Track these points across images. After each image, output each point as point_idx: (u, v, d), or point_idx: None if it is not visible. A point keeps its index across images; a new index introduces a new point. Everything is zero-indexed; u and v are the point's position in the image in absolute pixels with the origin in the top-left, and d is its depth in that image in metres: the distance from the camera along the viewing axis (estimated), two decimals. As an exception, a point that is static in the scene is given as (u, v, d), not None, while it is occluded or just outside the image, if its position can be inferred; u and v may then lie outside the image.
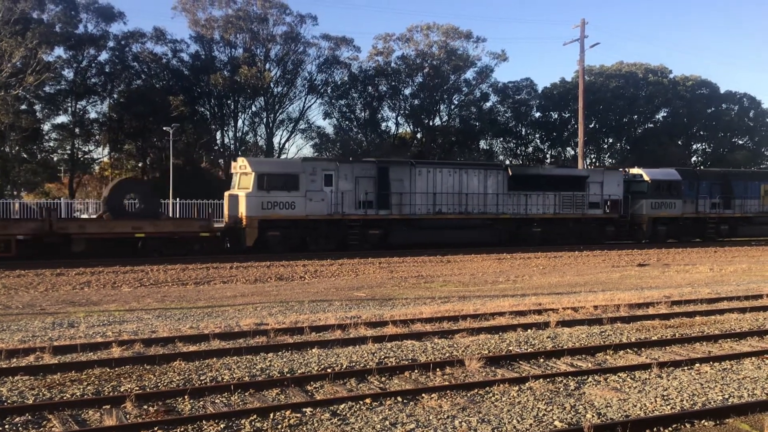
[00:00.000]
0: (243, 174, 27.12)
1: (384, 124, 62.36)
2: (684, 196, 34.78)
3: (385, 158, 33.32)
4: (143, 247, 24.67)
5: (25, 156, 51.00)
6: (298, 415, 7.36)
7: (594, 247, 30.75)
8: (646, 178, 34.33)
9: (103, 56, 52.50)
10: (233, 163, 28.94)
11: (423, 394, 8.07)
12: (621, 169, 35.75)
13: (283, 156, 59.60)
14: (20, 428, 6.98)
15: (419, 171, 29.35)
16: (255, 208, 26.10)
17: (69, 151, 53.00)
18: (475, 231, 30.45)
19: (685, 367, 9.50)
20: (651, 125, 67.93)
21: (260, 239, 26.37)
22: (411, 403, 7.81)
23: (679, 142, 67.14)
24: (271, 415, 7.32)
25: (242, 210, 26.26)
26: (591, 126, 62.43)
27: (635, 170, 35.72)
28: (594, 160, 66.06)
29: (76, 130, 52.20)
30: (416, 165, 29.80)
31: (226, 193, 28.24)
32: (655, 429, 7.05)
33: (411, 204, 28.89)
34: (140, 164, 56.53)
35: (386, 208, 28.49)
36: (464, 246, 29.50)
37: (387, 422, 7.18)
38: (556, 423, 7.23)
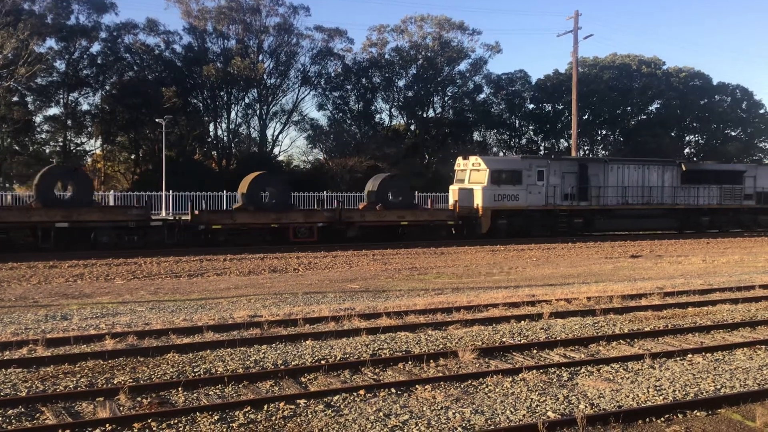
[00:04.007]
0: (474, 170, 31.25)
1: (378, 116, 62.29)
2: None
3: (585, 156, 37.32)
4: (403, 233, 28.97)
5: (17, 148, 50.71)
6: (292, 406, 7.37)
7: (587, 239, 31.07)
8: None
9: (95, 48, 52.22)
10: (459, 160, 32.88)
11: (417, 386, 8.09)
12: None
13: (276, 148, 59.58)
14: (13, 420, 6.97)
15: (611, 167, 33.72)
16: (488, 200, 30.40)
17: (61, 143, 52.72)
18: (655, 219, 34.93)
19: (678, 358, 9.55)
20: (644, 117, 67.99)
21: (492, 227, 30.58)
22: (405, 394, 7.83)
23: (673, 134, 67.28)
24: (265, 406, 7.33)
25: (477, 201, 30.45)
26: (584, 118, 62.49)
27: None
28: (587, 151, 66.14)
29: (68, 122, 51.91)
30: (609, 162, 34.22)
31: (453, 187, 32.11)
32: (647, 419, 7.08)
33: (605, 196, 33.28)
34: (132, 156, 56.30)
35: (586, 200, 32.86)
36: (648, 231, 34.70)
37: (381, 413, 7.20)
38: (549, 413, 7.26)
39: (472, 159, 31.92)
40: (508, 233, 30.90)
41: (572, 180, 32.50)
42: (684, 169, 35.52)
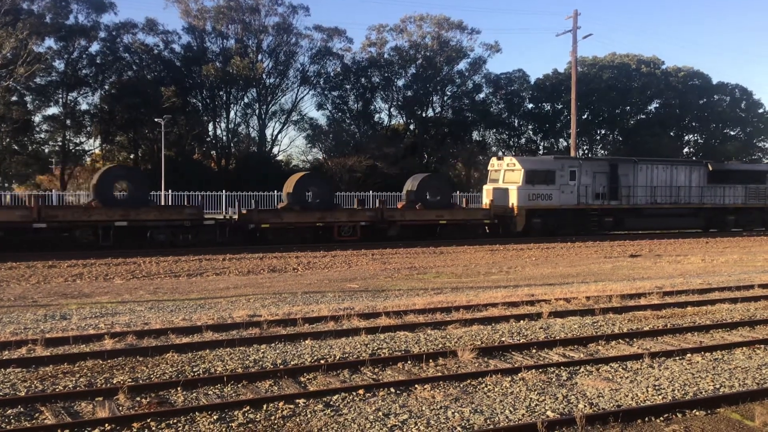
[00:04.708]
0: (509, 170, 32.02)
1: (377, 116, 62.29)
2: None
3: (615, 156, 37.71)
4: (440, 232, 29.58)
5: (16, 148, 50.69)
6: (291, 406, 7.37)
7: (587, 238, 31.03)
8: None
9: (94, 47, 52.25)
10: (493, 161, 33.87)
11: (416, 385, 8.09)
12: None
13: (275, 148, 59.59)
14: (13, 420, 6.96)
15: (640, 167, 34.39)
16: (523, 199, 31.18)
17: (60, 143, 52.70)
18: (683, 218, 35.62)
19: (677, 357, 9.55)
20: (643, 116, 68.01)
21: (526, 225, 31.26)
22: (404, 393, 7.83)
23: (672, 134, 67.30)
24: (264, 406, 7.32)
25: (512, 201, 31.18)
26: (584, 117, 62.50)
27: None
28: (586, 151, 66.16)
29: (68, 121, 51.88)
30: (638, 162, 34.77)
31: (488, 187, 32.85)
32: (646, 419, 7.08)
33: (634, 195, 34.02)
34: (132, 156, 56.28)
35: (616, 199, 33.56)
36: (675, 230, 35.36)
37: (380, 413, 7.20)
38: (549, 413, 7.26)
39: (507, 159, 32.80)
40: (542, 232, 31.63)
41: (603, 180, 33.28)
42: (710, 169, 36.24)
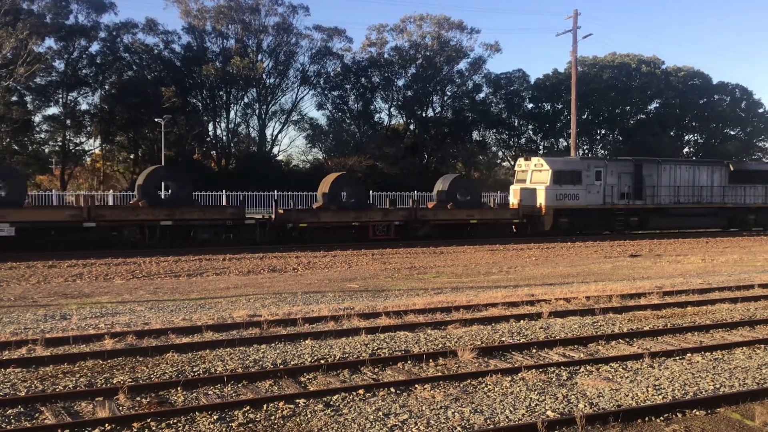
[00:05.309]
0: (537, 171, 32.56)
1: (377, 116, 62.29)
2: None
3: (640, 157, 38.02)
4: (471, 231, 30.04)
5: (16, 148, 50.70)
6: (291, 406, 7.37)
7: (587, 238, 31.06)
8: None
9: (94, 47, 52.28)
10: (520, 161, 34.56)
11: (416, 385, 8.08)
12: None
13: (276, 148, 59.61)
14: (13, 420, 6.96)
15: (664, 167, 34.91)
16: (551, 199, 31.80)
17: (60, 143, 52.71)
18: (704, 218, 36.02)
19: (677, 357, 9.55)
20: (643, 116, 68.01)
21: (554, 224, 31.84)
22: (404, 393, 7.83)
23: (672, 133, 67.28)
24: (264, 406, 7.32)
25: (540, 200, 31.77)
26: (584, 117, 62.49)
27: None
28: (587, 151, 66.16)
29: (68, 121, 51.90)
30: (662, 162, 35.31)
31: (515, 187, 33.45)
32: (646, 418, 7.08)
33: (658, 195, 34.56)
34: (132, 156, 56.26)
35: (641, 199, 34.09)
36: (698, 229, 35.76)
37: (380, 413, 7.20)
38: (549, 413, 7.25)
39: (534, 160, 33.43)
40: (569, 231, 32.23)
41: (628, 180, 33.78)
42: (731, 169, 36.80)
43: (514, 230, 31.76)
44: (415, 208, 29.43)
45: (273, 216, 27.09)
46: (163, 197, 26.44)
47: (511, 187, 34.34)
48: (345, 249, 25.19)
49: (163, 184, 27.16)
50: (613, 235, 32.82)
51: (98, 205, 25.82)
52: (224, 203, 28.75)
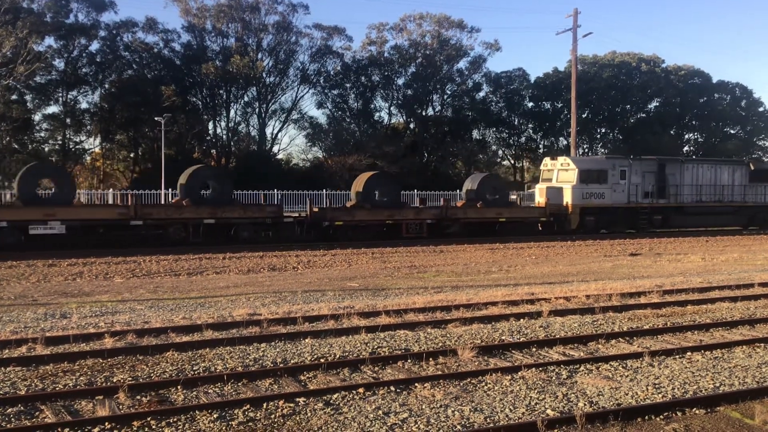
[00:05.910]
0: (563, 170, 33.16)
1: (377, 115, 62.25)
2: None
3: (663, 156, 38.30)
4: (499, 229, 30.45)
5: (15, 146, 50.64)
6: (291, 404, 7.37)
7: (587, 237, 31.08)
8: None
9: (94, 46, 52.17)
10: (546, 161, 35.07)
11: (416, 384, 8.09)
12: None
13: (276, 146, 59.57)
14: (13, 419, 6.97)
15: (686, 167, 35.53)
16: (577, 198, 32.36)
17: (60, 142, 52.68)
18: (725, 216, 36.48)
19: (677, 356, 9.55)
20: (643, 115, 67.94)
21: (580, 223, 32.42)
22: (404, 392, 7.83)
23: (672, 132, 67.24)
24: (264, 404, 7.33)
25: (567, 199, 32.34)
26: (584, 116, 62.45)
27: None
28: (587, 150, 66.14)
29: (67, 120, 51.85)
30: (684, 162, 36.09)
31: (541, 186, 33.80)
32: (646, 417, 7.08)
33: (681, 194, 35.06)
34: (132, 154, 56.23)
35: (664, 198, 34.66)
36: (718, 228, 36.12)
37: (380, 411, 7.20)
38: (549, 411, 7.26)
39: (560, 159, 33.98)
40: (595, 229, 32.78)
41: (651, 179, 34.31)
42: (752, 168, 37.41)
43: (540, 228, 32.09)
44: (446, 206, 29.92)
45: (308, 214, 27.55)
46: (204, 196, 26.84)
47: (537, 186, 34.81)
48: (345, 248, 25.19)
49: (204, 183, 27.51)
50: (612, 235, 32.84)
51: (145, 204, 26.38)
52: (262, 202, 29.45)
